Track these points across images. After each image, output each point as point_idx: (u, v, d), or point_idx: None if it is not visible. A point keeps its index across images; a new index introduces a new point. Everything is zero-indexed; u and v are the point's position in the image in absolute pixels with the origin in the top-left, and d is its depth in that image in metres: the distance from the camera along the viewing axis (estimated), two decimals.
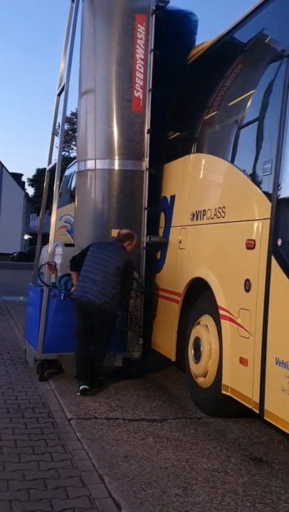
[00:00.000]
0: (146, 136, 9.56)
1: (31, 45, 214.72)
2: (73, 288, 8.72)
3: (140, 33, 9.57)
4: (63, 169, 16.21)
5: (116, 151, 9.56)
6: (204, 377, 7.57)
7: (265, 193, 6.32)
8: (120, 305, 8.66)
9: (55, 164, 9.95)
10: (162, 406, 7.86)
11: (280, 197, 5.99)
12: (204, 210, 7.89)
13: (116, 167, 9.58)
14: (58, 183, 9.59)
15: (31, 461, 5.72)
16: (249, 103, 7.16)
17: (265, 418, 6.05)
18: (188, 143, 9.02)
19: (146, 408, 7.70)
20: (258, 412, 6.19)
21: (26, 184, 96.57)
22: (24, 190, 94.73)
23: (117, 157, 9.56)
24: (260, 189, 6.47)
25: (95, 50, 9.88)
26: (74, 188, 15.89)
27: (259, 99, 6.85)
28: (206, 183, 8.19)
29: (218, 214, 7.46)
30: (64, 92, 9.70)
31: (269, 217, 6.11)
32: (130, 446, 6.28)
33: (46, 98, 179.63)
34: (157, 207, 9.74)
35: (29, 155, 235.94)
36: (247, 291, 6.51)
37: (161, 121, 9.71)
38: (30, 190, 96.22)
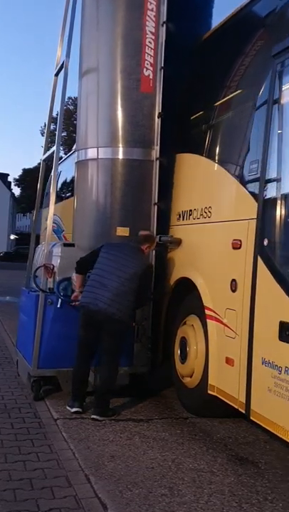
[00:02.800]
0: (157, 121, 8.40)
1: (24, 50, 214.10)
2: (75, 294, 7.74)
3: (150, 3, 8.39)
4: (49, 169, 15.82)
5: (121, 138, 8.46)
6: (190, 377, 7.57)
7: (252, 193, 6.33)
8: (133, 315, 7.78)
9: (53, 152, 9.04)
10: (148, 406, 7.86)
11: (266, 197, 6.00)
12: (190, 210, 7.89)
13: (121, 156, 8.48)
14: (55, 174, 8.80)
15: (17, 461, 5.72)
16: (236, 102, 7.17)
17: (251, 418, 6.05)
18: (172, 142, 8.81)
19: (133, 408, 7.69)
20: (244, 412, 6.19)
21: (12, 184, 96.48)
22: (10, 190, 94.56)
23: (122, 145, 8.45)
24: (247, 189, 6.47)
25: (98, 23, 8.78)
26: (60, 188, 15.87)
27: (247, 98, 6.87)
28: (192, 183, 8.18)
29: (204, 214, 7.46)
30: (64, 69, 8.53)
31: (255, 217, 6.11)
32: (116, 446, 6.28)
33: (35, 98, 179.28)
34: (168, 202, 8.64)
35: (15, 155, 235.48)
36: (233, 291, 6.51)
37: (174, 105, 8.55)
38: (17, 190, 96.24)
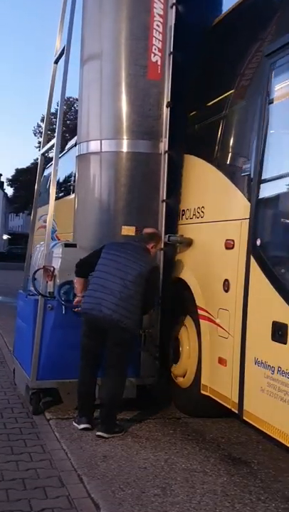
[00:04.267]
0: (166, 111, 7.79)
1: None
2: (76, 299, 7.11)
3: None
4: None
5: (127, 130, 7.81)
6: (183, 377, 7.57)
7: (244, 193, 6.33)
8: (141, 321, 7.12)
9: (53, 145, 8.10)
10: (141, 406, 7.83)
11: (259, 197, 6.00)
12: (183, 210, 7.88)
13: (126, 149, 7.82)
14: (57, 168, 7.92)
15: (10, 461, 5.72)
16: (229, 101, 7.12)
17: (244, 418, 6.05)
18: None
19: (125, 408, 7.66)
20: (236, 412, 6.19)
21: (5, 184, 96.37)
22: (3, 190, 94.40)
23: (128, 137, 7.81)
24: (240, 189, 6.47)
25: (101, 4, 8.11)
26: None
27: (239, 98, 6.86)
28: (185, 183, 8.14)
29: (197, 214, 7.45)
30: (65, 54, 7.77)
31: (248, 217, 6.11)
32: (109, 446, 6.27)
33: (26, 97, 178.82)
34: (178, 199, 8.01)
35: (8, 155, 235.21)
36: (226, 291, 6.51)
37: (184, 94, 7.91)
38: (9, 191, 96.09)
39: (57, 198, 14.55)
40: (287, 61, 5.82)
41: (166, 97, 7.80)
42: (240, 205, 6.36)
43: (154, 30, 7.76)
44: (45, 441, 6.38)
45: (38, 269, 7.68)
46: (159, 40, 7.79)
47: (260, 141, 6.05)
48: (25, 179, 68.20)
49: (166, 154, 7.80)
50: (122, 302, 6.55)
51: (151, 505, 4.95)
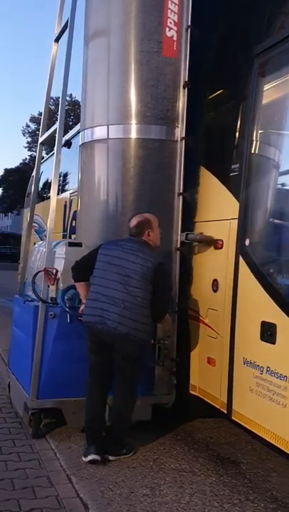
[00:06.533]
0: (183, 92, 6.93)
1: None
2: (82, 306, 6.17)
3: None
4: (31, 168, 15.65)
5: (138, 114, 6.86)
6: None
7: (233, 193, 6.32)
8: (152, 332, 6.22)
9: (54, 131, 7.35)
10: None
11: (247, 197, 6.00)
12: None
13: (137, 135, 6.87)
14: (59, 157, 7.11)
15: None
16: (218, 100, 7.08)
17: (232, 418, 6.06)
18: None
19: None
20: (225, 412, 6.20)
21: None
22: None
23: (139, 121, 6.86)
24: (228, 189, 6.46)
25: None
26: (42, 188, 15.82)
27: (229, 97, 6.83)
28: None
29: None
30: (68, 28, 7.08)
31: (237, 217, 6.11)
32: None
33: (14, 95, 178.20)
34: (196, 191, 7.14)
35: None
36: (215, 291, 6.52)
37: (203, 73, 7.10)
38: None
39: (45, 198, 14.60)
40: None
41: (183, 77, 6.97)
42: (229, 205, 6.34)
43: (170, 2, 6.88)
44: (33, 441, 6.37)
45: (38, 272, 6.84)
46: (175, 12, 6.90)
47: (249, 139, 6.05)
48: (15, 179, 67.96)
49: (183, 141, 6.96)
50: (128, 312, 5.69)
51: (140, 505, 4.96)
